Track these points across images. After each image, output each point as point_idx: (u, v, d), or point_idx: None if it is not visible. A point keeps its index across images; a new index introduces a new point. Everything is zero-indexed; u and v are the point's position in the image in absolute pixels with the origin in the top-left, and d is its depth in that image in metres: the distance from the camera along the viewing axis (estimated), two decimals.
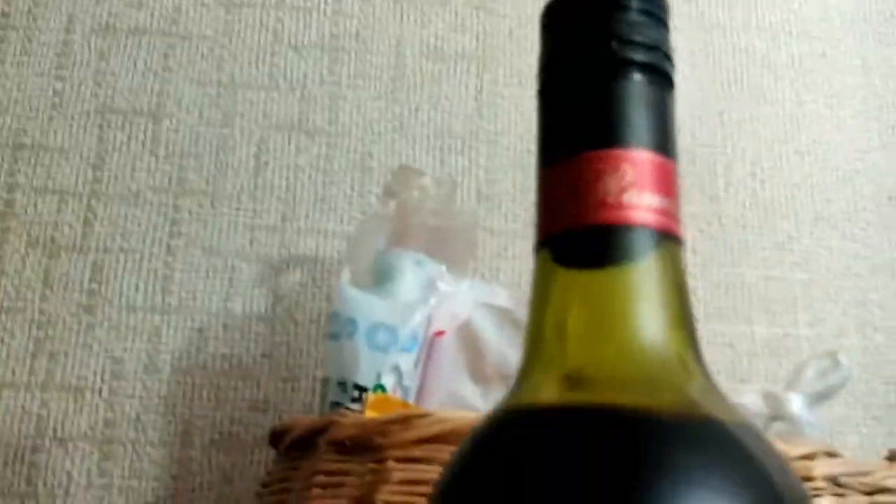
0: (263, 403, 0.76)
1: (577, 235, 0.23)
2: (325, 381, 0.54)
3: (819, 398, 0.51)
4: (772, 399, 0.50)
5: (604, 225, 0.23)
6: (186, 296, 0.78)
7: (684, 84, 0.93)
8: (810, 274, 0.85)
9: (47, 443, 0.73)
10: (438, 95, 0.87)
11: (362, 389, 0.51)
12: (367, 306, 0.53)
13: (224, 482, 0.73)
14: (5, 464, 0.72)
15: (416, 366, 0.53)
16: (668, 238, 0.23)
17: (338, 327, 0.54)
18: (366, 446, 0.40)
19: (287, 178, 0.82)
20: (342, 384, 0.52)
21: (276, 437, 0.49)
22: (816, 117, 0.91)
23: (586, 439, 0.20)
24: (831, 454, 0.40)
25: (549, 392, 0.23)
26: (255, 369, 0.77)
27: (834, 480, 0.38)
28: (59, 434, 0.73)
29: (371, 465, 0.39)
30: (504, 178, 0.84)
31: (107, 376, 0.75)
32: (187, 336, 0.77)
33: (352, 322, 0.53)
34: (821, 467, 0.38)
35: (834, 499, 0.38)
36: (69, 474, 0.72)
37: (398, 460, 0.38)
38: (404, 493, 0.38)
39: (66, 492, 0.72)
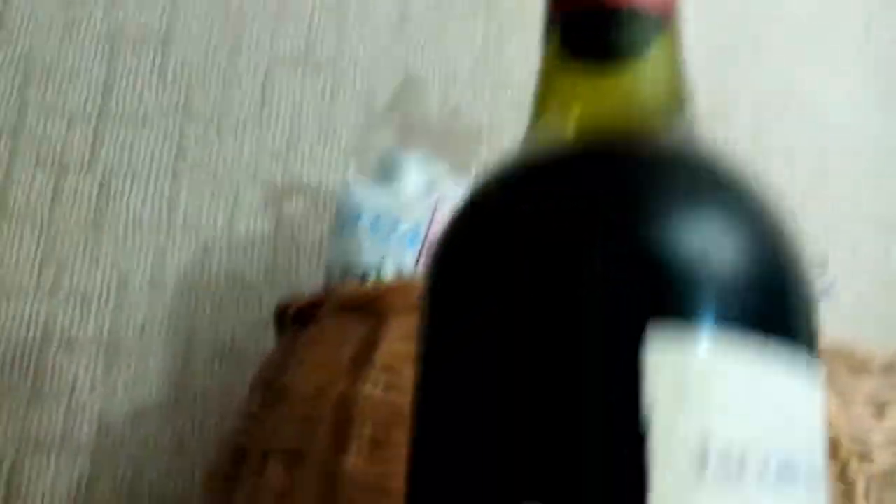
0: (264, 321, 0.78)
1: (584, 16, 0.25)
2: (329, 269, 0.56)
3: None
4: None
5: (608, 6, 0.25)
6: (191, 216, 0.80)
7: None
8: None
9: (53, 347, 0.76)
10: (445, 31, 0.89)
11: (365, 274, 0.53)
12: (370, 197, 0.56)
13: (224, 393, 0.76)
14: (12, 366, 0.75)
15: (416, 265, 0.56)
16: (668, 19, 0.26)
17: (342, 219, 0.57)
18: (366, 308, 0.43)
19: (291, 110, 0.85)
20: (344, 270, 0.54)
21: (281, 313, 0.51)
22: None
23: (583, 177, 0.22)
24: None
25: (548, 148, 0.25)
26: (257, 289, 0.79)
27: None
28: (65, 339, 0.76)
29: (372, 324, 0.42)
30: (509, 117, 0.86)
31: (113, 287, 0.78)
32: (191, 254, 0.79)
33: (355, 212, 0.55)
34: None
35: None
36: (74, 378, 0.75)
37: (398, 317, 0.41)
38: (404, 345, 0.40)
39: (71, 394, 0.75)
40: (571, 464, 0.20)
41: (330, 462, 0.39)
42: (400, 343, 0.40)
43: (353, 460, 0.38)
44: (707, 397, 0.20)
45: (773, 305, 0.22)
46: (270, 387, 0.44)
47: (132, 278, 0.78)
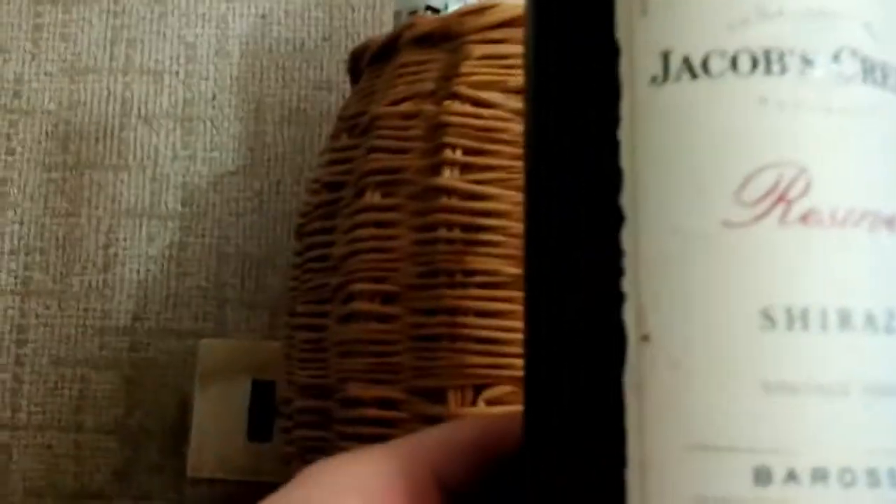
0: (326, 83, 0.81)
1: None
2: (397, 14, 0.58)
3: None
4: None
5: None
6: None
7: None
8: None
9: (133, 121, 0.79)
10: None
11: (434, 10, 0.55)
12: None
13: (296, 152, 0.80)
14: (97, 140, 0.79)
15: None
16: None
17: None
18: (446, 36, 0.45)
19: None
20: (413, 12, 0.56)
21: (356, 59, 0.53)
22: None
23: None
24: None
25: None
26: (316, 52, 0.81)
27: None
28: (143, 113, 0.79)
29: (451, 50, 0.44)
30: None
31: (181, 60, 0.80)
32: (252, 22, 0.81)
33: None
34: None
35: None
36: (156, 148, 0.79)
37: (477, 42, 0.43)
38: (485, 67, 0.43)
39: (155, 163, 0.79)
40: None
41: (425, 181, 0.42)
42: (481, 66, 0.43)
43: (448, 175, 0.41)
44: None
45: None
46: (357, 122, 0.47)
47: (198, 49, 0.80)
